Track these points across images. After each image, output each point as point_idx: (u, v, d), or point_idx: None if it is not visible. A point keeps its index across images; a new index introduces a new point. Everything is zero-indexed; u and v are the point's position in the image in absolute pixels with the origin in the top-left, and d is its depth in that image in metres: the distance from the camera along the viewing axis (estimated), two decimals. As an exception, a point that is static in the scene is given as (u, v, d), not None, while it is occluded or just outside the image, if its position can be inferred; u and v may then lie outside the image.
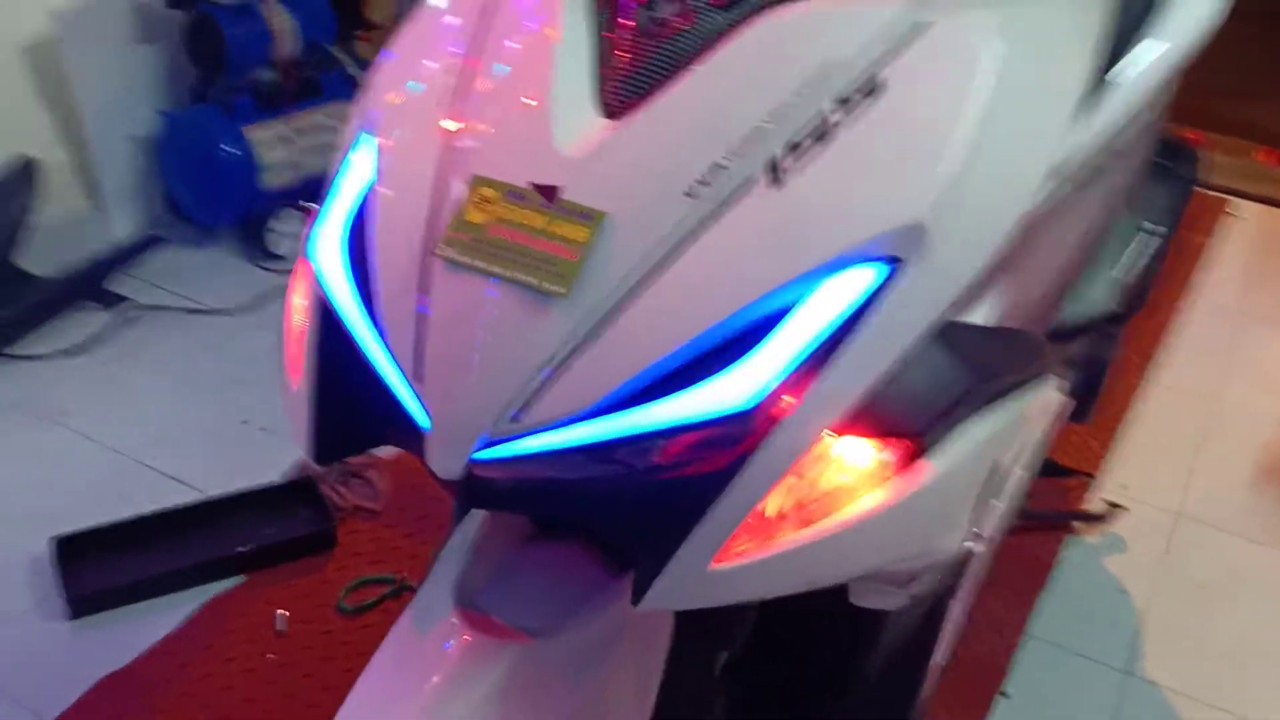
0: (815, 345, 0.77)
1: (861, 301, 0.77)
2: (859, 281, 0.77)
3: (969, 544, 1.30)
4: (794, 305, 0.77)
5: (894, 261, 0.78)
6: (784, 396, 0.76)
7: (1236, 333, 2.66)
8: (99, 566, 1.82)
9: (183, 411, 2.24)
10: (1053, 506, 2.09)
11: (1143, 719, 1.71)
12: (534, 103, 0.83)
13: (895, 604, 1.05)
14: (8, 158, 2.46)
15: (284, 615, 1.77)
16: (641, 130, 0.80)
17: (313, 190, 2.93)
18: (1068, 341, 1.47)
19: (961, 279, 0.80)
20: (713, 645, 1.03)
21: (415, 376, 0.81)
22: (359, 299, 0.87)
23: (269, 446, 2.13)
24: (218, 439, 2.17)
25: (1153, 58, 1.24)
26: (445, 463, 0.80)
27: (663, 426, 0.77)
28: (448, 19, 0.94)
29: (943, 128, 0.79)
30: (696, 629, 0.99)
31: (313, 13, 2.70)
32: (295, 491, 1.98)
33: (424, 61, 0.92)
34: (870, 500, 0.80)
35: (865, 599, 1.04)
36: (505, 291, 0.78)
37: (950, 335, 0.84)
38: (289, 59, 2.68)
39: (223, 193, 2.67)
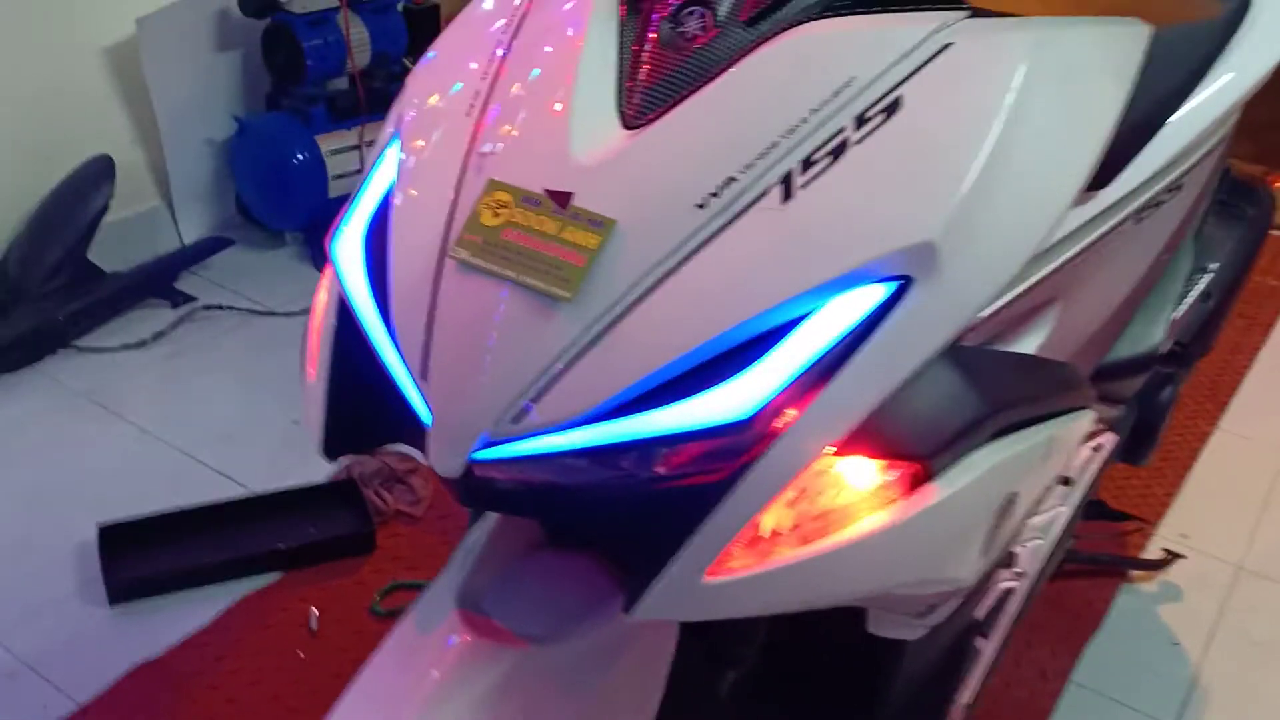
0: (819, 359, 0.75)
1: (868, 318, 0.75)
2: (867, 299, 0.76)
3: (1010, 583, 1.27)
4: (800, 319, 0.75)
5: (904, 280, 0.76)
6: (785, 410, 0.75)
7: (1314, 383, 2.57)
8: (141, 556, 1.85)
9: (239, 410, 2.28)
10: (1109, 551, 2.03)
11: (1188, 777, 1.65)
12: (555, 111, 0.83)
13: (912, 635, 1.03)
14: (87, 157, 2.53)
15: (317, 614, 1.78)
16: (657, 141, 0.80)
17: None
18: (1119, 379, 1.43)
19: (974, 302, 0.78)
20: (718, 665, 1.01)
21: (421, 374, 0.81)
22: (374, 297, 0.87)
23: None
24: (270, 438, 2.20)
25: (1211, 92, 1.20)
26: (445, 460, 0.79)
27: (662, 434, 0.76)
28: (483, 27, 0.95)
29: (960, 148, 0.77)
30: (703, 646, 0.97)
31: (386, 25, 2.75)
32: (338, 493, 2.00)
33: (455, 68, 0.93)
34: (872, 521, 0.78)
35: (882, 628, 1.02)
36: (513, 295, 0.78)
37: (967, 359, 0.82)
38: (361, 70, 2.73)
39: (292, 199, 2.72)
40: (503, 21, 0.93)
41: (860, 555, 0.78)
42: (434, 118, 0.91)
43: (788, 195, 0.76)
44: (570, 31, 0.87)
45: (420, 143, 0.90)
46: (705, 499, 0.76)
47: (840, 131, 0.77)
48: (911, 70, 0.79)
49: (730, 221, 0.77)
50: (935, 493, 0.79)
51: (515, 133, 0.84)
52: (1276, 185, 1.94)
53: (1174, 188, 1.26)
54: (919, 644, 1.08)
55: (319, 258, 2.76)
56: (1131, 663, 1.82)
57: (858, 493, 0.78)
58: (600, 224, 0.78)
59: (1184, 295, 1.52)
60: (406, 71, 2.80)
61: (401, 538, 1.95)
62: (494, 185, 0.82)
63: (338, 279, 0.90)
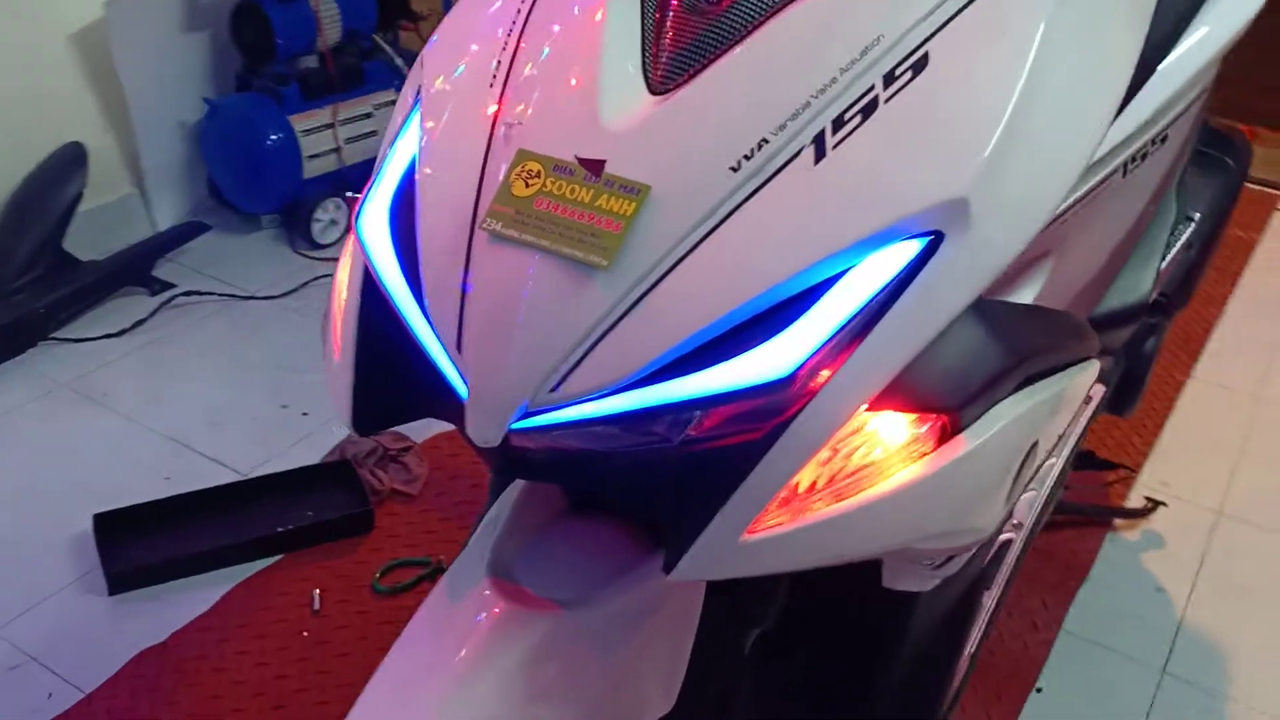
0: (855, 316, 0.76)
1: (902, 274, 0.77)
2: (900, 255, 0.77)
3: (1007, 534, 1.29)
4: (836, 277, 0.77)
5: (936, 236, 0.77)
6: (822, 369, 0.76)
7: (1284, 331, 2.63)
8: (138, 544, 1.85)
9: (225, 395, 2.27)
10: (1092, 501, 2.08)
11: (1178, 719, 1.69)
12: (583, 79, 0.83)
13: (926, 586, 1.05)
14: (58, 145, 2.50)
15: (319, 594, 1.79)
16: (688, 105, 0.80)
17: (355, 179, 2.97)
18: (1109, 330, 1.46)
19: (1003, 256, 0.79)
20: (743, 623, 1.03)
21: (456, 347, 0.82)
22: (403, 272, 0.87)
23: (309, 430, 2.15)
24: (259, 422, 2.19)
25: (1194, 42, 1.23)
26: (484, 431, 0.80)
27: (702, 395, 0.77)
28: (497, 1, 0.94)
29: (988, 103, 0.79)
30: (727, 606, 0.99)
31: (356, 1, 2.73)
32: (333, 474, 2.00)
33: (473, 41, 0.93)
34: (905, 475, 0.80)
35: (898, 580, 1.04)
36: (548, 264, 0.79)
37: (990, 312, 0.83)
38: (332, 47, 2.71)
39: (267, 180, 2.70)
40: None
41: (893, 508, 0.80)
42: (456, 89, 0.91)
43: (820, 155, 0.78)
44: (590, 1, 0.87)
45: (444, 114, 0.90)
46: (743, 459, 0.78)
47: (870, 90, 0.79)
48: (937, 26, 0.80)
49: (764, 183, 0.78)
50: (964, 444, 0.81)
51: (542, 102, 0.84)
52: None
53: (1160, 139, 1.28)
54: (930, 596, 1.10)
55: (295, 239, 2.75)
56: (1119, 610, 1.87)
57: (889, 447, 0.80)
58: (635, 190, 0.78)
59: (1169, 246, 1.54)
60: (377, 48, 2.81)
61: (398, 516, 1.96)
62: (524, 155, 0.82)
63: (364, 254, 0.90)
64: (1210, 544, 2.01)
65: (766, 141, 0.78)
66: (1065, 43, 0.82)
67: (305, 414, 2.20)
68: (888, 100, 0.78)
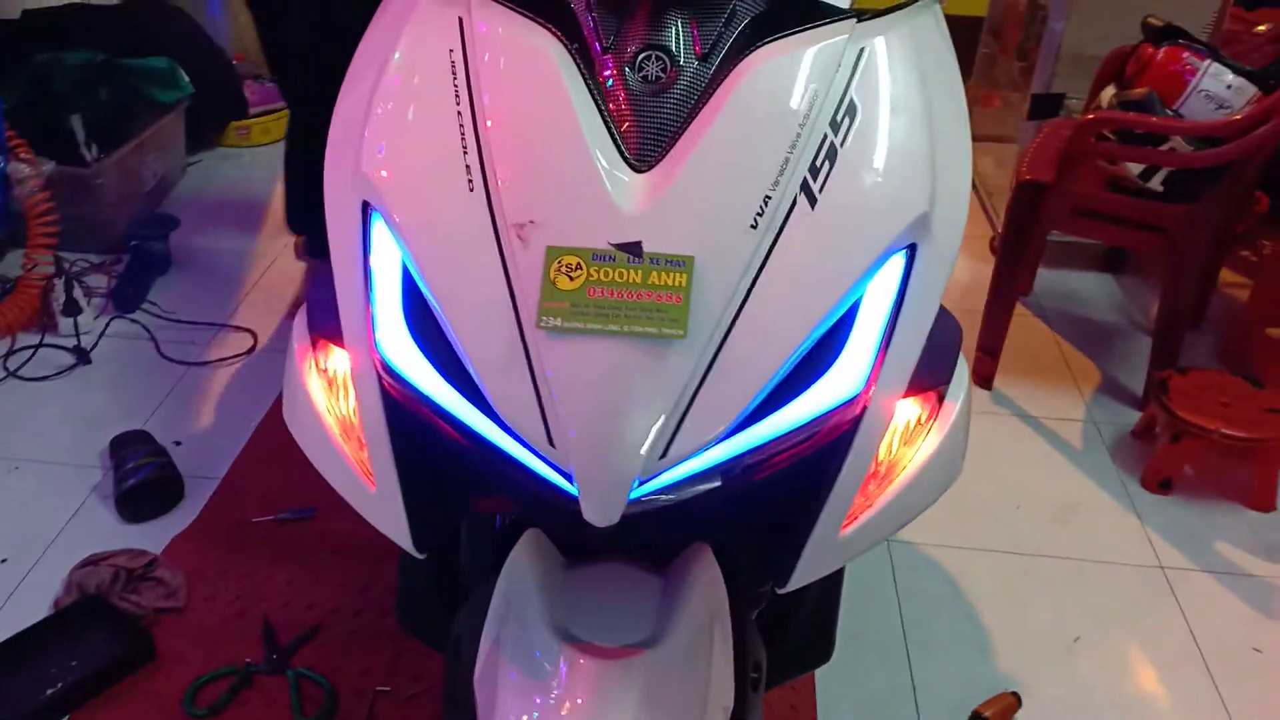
0: (884, 328, 0.91)
1: (900, 284, 0.92)
2: (895, 268, 0.92)
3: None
4: (856, 300, 0.90)
5: (911, 247, 0.93)
6: (874, 375, 0.90)
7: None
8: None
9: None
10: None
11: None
12: (580, 171, 0.88)
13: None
14: None
15: (141, 742, 1.64)
16: (692, 179, 0.89)
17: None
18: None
19: (953, 254, 0.97)
20: (749, 609, 1.15)
21: (549, 443, 0.86)
22: (454, 387, 0.89)
23: (12, 578, 1.92)
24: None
25: None
26: (604, 512, 0.85)
27: (793, 427, 0.88)
28: (419, 85, 0.94)
29: (908, 130, 0.95)
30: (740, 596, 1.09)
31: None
32: (84, 615, 1.81)
33: (421, 150, 0.92)
34: (930, 443, 0.97)
35: None
36: (622, 345, 0.85)
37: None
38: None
39: None
40: (444, 76, 0.93)
41: (932, 470, 0.96)
42: (430, 200, 0.91)
43: (813, 201, 0.90)
44: (548, 91, 0.91)
45: (430, 227, 0.91)
46: (824, 469, 0.90)
47: (826, 138, 0.92)
48: (849, 76, 0.94)
49: (779, 235, 0.89)
50: (954, 408, 0.99)
51: (550, 199, 0.88)
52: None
53: None
54: None
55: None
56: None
57: (911, 425, 0.96)
58: (680, 263, 0.87)
59: None
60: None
61: (177, 634, 1.82)
62: (556, 251, 0.87)
63: (393, 376, 0.90)
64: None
65: (769, 198, 0.89)
66: (931, 64, 1.00)
67: (4, 560, 1.95)
68: (842, 145, 0.92)
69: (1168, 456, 2.26)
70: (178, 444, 2.24)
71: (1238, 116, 2.26)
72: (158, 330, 2.61)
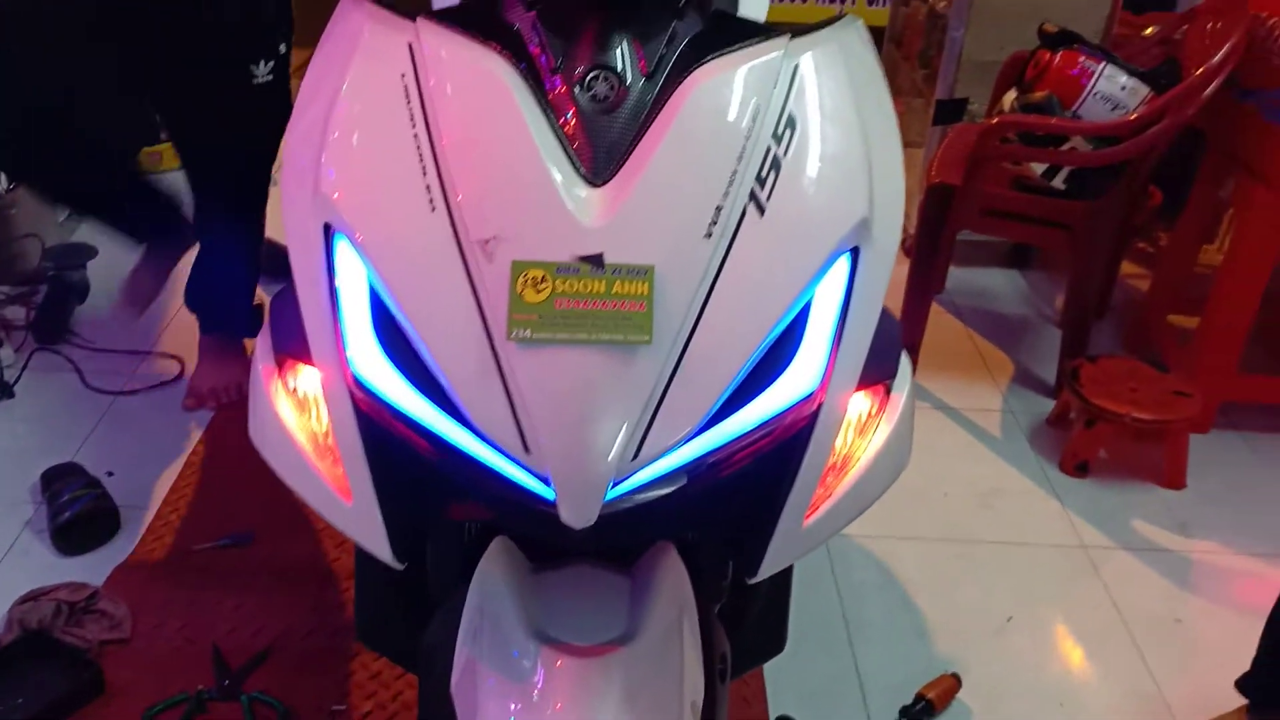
0: (835, 327, 0.96)
1: (847, 285, 0.97)
2: (841, 270, 0.98)
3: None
4: (807, 302, 0.95)
5: (855, 251, 0.98)
6: (828, 372, 0.95)
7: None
8: None
9: None
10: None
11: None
12: (539, 187, 0.91)
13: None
14: None
15: (97, 775, 1.63)
16: (647, 192, 0.92)
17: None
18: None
19: (893, 253, 1.03)
20: (711, 602, 1.19)
21: (525, 450, 0.89)
22: (430, 400, 0.92)
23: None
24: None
25: None
26: (581, 514, 0.89)
27: (758, 423, 0.93)
28: (375, 108, 0.97)
29: (845, 138, 1.00)
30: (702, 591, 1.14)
31: None
32: (27, 651, 1.79)
33: (379, 171, 0.95)
34: (879, 437, 1.02)
35: None
36: (591, 353, 0.88)
37: None
38: None
39: None
40: (397, 100, 0.96)
41: (882, 462, 1.02)
42: (393, 219, 0.94)
43: (761, 210, 0.95)
44: (502, 111, 0.94)
45: (395, 246, 0.93)
46: (785, 462, 0.95)
47: (769, 150, 0.96)
48: (786, 90, 0.99)
49: (731, 242, 0.94)
50: (900, 400, 1.05)
51: (512, 215, 0.92)
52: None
53: None
54: None
55: None
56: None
57: (863, 417, 1.01)
58: (643, 272, 0.91)
59: None
60: None
61: (124, 664, 1.80)
62: (521, 266, 0.90)
63: (363, 390, 0.93)
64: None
65: (721, 208, 0.93)
66: (860, 76, 1.05)
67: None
68: (784, 155, 0.97)
69: (1083, 441, 2.36)
70: (110, 474, 2.21)
71: (1133, 116, 2.38)
72: (81, 360, 2.58)
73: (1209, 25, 2.49)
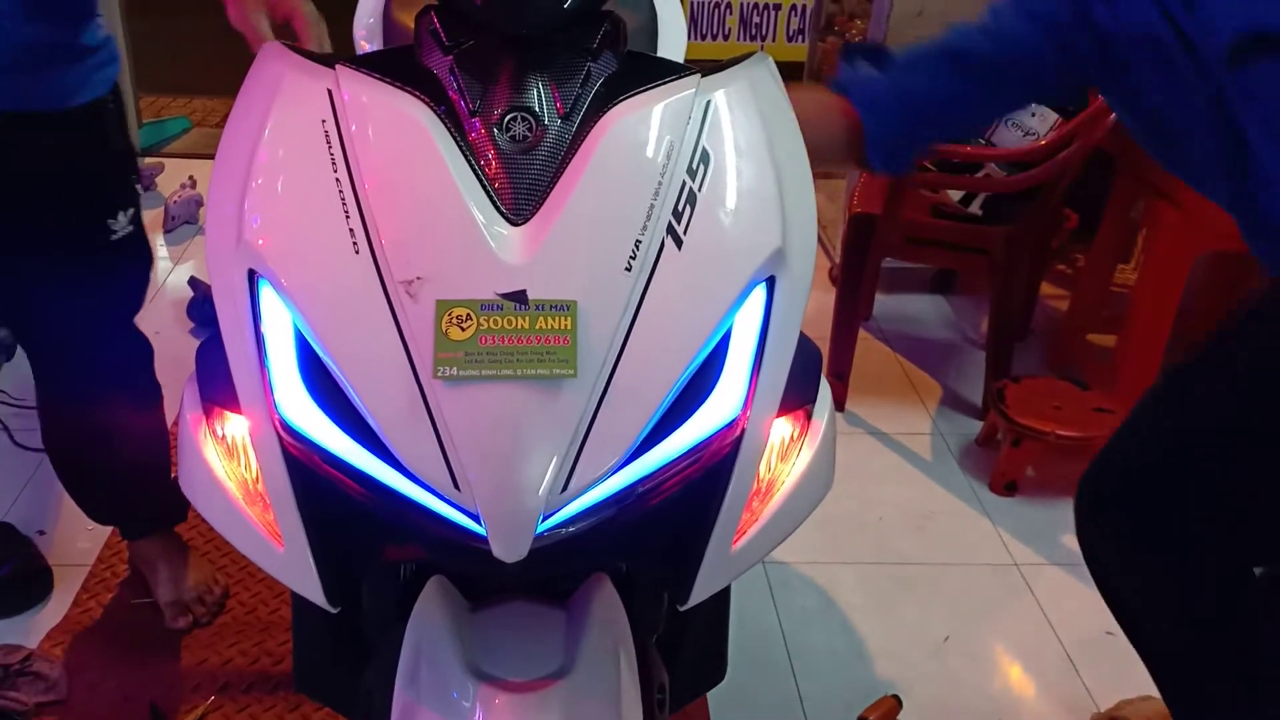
0: (754, 355, 0.99)
1: (765, 314, 1.00)
2: (758, 300, 1.00)
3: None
4: (727, 331, 0.98)
5: (770, 280, 1.01)
6: (749, 400, 0.98)
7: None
8: None
9: None
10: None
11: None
12: (462, 227, 0.93)
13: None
14: None
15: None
16: (568, 229, 0.95)
17: None
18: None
19: (807, 281, 1.06)
20: (648, 633, 1.20)
21: (455, 487, 0.90)
22: (351, 437, 0.93)
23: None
24: None
25: None
26: (512, 548, 0.90)
27: (682, 451, 0.95)
28: (296, 154, 0.98)
29: (758, 172, 1.03)
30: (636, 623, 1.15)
31: None
32: (-42, 717, 1.75)
33: (301, 216, 0.96)
34: (801, 461, 1.05)
35: None
36: (516, 389, 0.90)
37: None
38: None
39: None
40: (318, 146, 0.97)
41: (805, 486, 1.04)
42: (317, 263, 0.94)
43: (679, 243, 0.97)
44: (422, 153, 0.96)
45: (319, 290, 0.94)
46: (710, 491, 0.97)
47: (685, 184, 0.99)
48: (700, 127, 1.02)
49: (651, 275, 0.96)
50: (821, 424, 1.07)
51: (434, 256, 0.93)
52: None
53: None
54: None
55: None
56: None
57: (785, 442, 1.04)
58: (564, 307, 0.93)
59: None
60: None
61: (60, 728, 1.78)
62: (446, 304, 0.92)
63: (292, 435, 0.94)
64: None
65: (639, 241, 0.96)
66: (770, 112, 1.09)
67: None
68: (699, 190, 0.99)
69: (1010, 460, 2.42)
70: (41, 533, 2.18)
71: (1043, 142, 2.46)
72: (9, 419, 2.54)
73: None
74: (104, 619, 1.99)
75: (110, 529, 2.18)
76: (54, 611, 2.01)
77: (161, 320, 2.93)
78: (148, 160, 3.87)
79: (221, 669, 1.89)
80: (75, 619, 1.99)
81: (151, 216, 3.49)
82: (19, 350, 2.75)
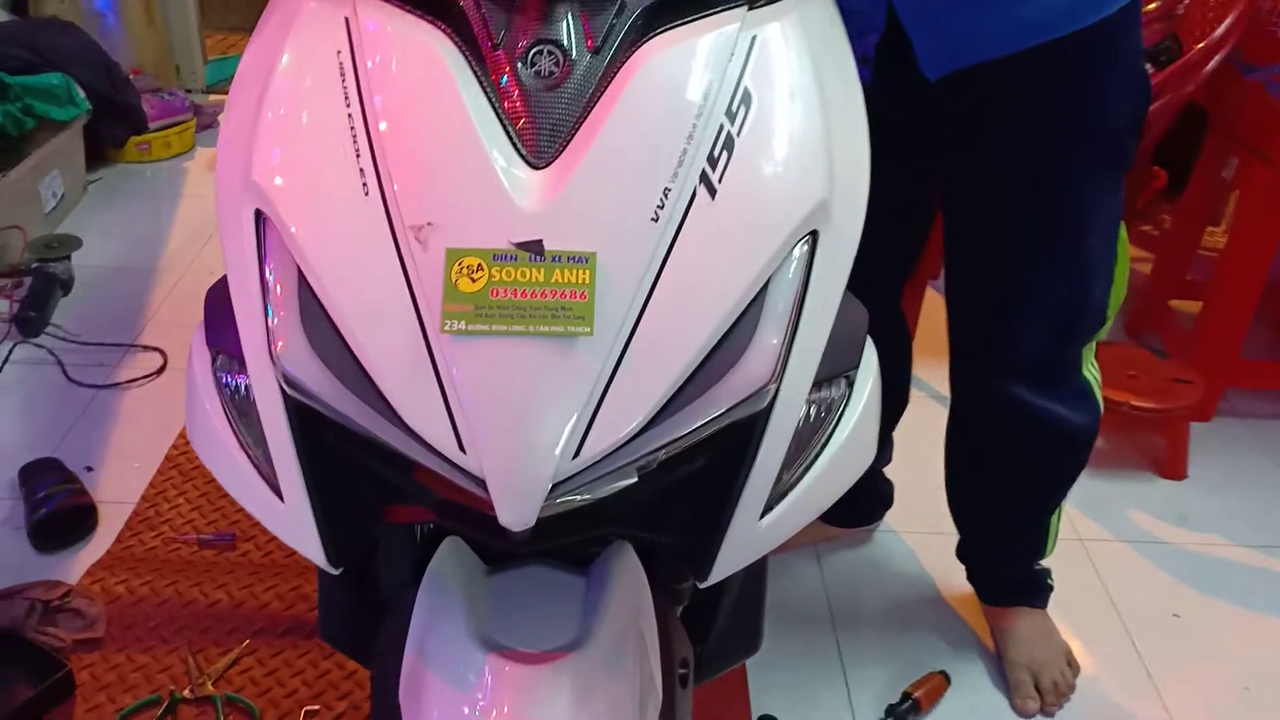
0: (791, 316, 0.91)
1: (804, 273, 0.93)
2: (797, 256, 0.93)
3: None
4: (763, 289, 0.90)
5: (813, 234, 0.93)
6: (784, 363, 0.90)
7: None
8: None
9: None
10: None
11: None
12: (478, 171, 0.87)
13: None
14: None
15: (63, 779, 1.60)
16: (591, 174, 0.88)
17: None
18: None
19: (855, 238, 0.98)
20: (672, 605, 1.14)
21: (460, 449, 0.84)
22: (353, 393, 0.87)
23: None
24: None
25: None
26: (519, 516, 0.84)
27: (703, 421, 0.88)
28: (309, 88, 0.92)
29: (804, 116, 0.95)
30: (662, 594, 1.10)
31: None
32: (1, 651, 1.75)
33: (311, 156, 0.90)
34: (840, 431, 0.97)
35: None
36: (528, 345, 0.84)
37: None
38: None
39: None
40: (332, 79, 0.91)
41: (841, 458, 0.97)
42: (325, 206, 0.89)
43: (713, 191, 0.90)
44: (440, 90, 0.90)
45: (327, 234, 0.89)
46: (738, 459, 0.90)
47: (722, 128, 0.91)
48: (743, 65, 0.94)
49: (680, 226, 0.89)
50: (863, 392, 1.00)
51: (448, 201, 0.87)
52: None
53: None
54: None
55: None
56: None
57: (821, 414, 0.96)
58: (583, 259, 0.86)
59: None
60: None
61: (96, 665, 1.77)
62: (456, 253, 0.85)
63: (302, 393, 0.88)
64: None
65: (669, 190, 0.89)
66: (821, 50, 1.00)
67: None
68: (738, 134, 0.92)
69: (1081, 430, 2.31)
70: (89, 469, 2.18)
71: (1131, 95, 2.31)
72: (64, 354, 2.55)
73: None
74: (144, 559, 1.99)
75: (155, 471, 2.18)
76: (96, 549, 2.01)
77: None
78: (213, 98, 3.86)
79: (258, 612, 1.88)
80: (116, 555, 1.99)
81: (210, 156, 3.49)
82: (76, 286, 2.77)
